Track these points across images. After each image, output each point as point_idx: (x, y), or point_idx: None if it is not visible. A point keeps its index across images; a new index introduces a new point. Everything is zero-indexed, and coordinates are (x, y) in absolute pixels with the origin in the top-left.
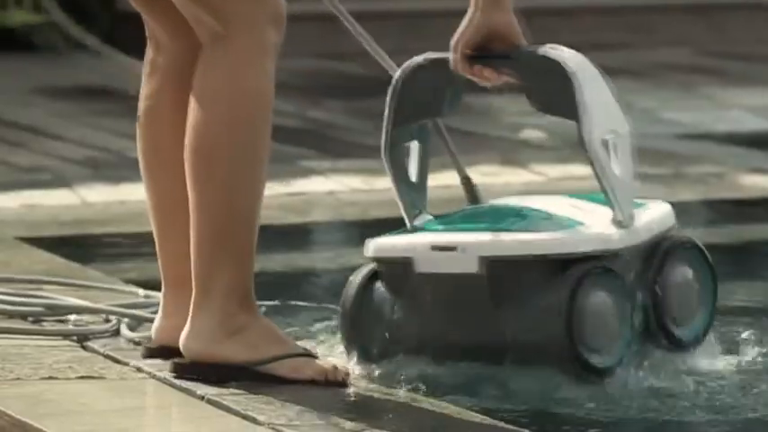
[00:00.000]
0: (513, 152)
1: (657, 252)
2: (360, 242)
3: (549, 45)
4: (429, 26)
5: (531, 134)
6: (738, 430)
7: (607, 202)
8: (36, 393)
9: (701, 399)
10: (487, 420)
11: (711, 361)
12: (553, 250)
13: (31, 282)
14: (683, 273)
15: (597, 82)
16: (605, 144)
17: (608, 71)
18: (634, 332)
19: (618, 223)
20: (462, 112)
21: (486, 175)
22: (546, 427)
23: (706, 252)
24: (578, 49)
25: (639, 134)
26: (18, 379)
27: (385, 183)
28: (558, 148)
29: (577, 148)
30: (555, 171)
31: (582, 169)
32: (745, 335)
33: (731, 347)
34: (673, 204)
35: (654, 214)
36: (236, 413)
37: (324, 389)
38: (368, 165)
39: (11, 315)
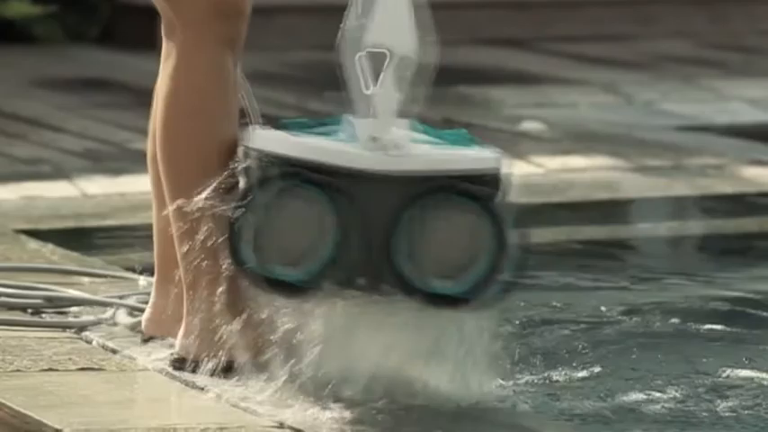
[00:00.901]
0: (511, 144)
1: (416, 189)
2: None
3: None
4: None
5: (529, 126)
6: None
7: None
8: (36, 385)
9: None
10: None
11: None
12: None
13: (31, 270)
14: (445, 220)
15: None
16: (371, 56)
17: (609, 62)
18: (348, 258)
19: (366, 143)
20: (461, 104)
21: None
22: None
23: (496, 212)
24: (579, 41)
25: (640, 126)
26: (18, 371)
27: None
28: (558, 139)
29: (576, 139)
30: (554, 163)
31: (581, 161)
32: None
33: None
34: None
35: (447, 152)
36: (236, 405)
37: (323, 381)
38: None
39: (10, 307)
